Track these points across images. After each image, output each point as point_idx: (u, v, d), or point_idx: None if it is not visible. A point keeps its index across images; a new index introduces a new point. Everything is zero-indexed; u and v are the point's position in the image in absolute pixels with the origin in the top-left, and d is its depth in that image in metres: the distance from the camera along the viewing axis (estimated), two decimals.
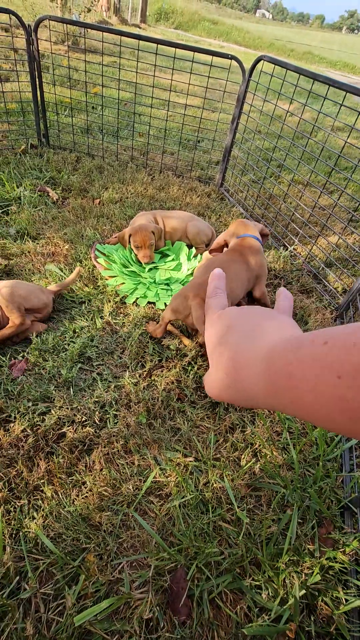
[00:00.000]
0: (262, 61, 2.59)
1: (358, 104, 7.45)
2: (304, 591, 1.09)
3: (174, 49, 2.75)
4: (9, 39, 4.91)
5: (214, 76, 2.89)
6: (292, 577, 1.13)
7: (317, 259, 2.59)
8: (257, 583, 1.12)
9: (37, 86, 3.03)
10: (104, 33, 2.81)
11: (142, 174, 3.23)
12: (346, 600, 1.12)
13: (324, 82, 2.09)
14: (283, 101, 6.15)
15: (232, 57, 2.74)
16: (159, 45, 2.78)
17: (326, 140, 3.24)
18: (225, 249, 2.00)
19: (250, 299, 2.01)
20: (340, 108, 2.11)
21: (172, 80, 2.90)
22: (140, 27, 12.02)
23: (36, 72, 2.96)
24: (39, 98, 3.09)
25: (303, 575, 1.14)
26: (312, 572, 1.14)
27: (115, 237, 2.34)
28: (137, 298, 2.03)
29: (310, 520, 1.27)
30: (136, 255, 2.29)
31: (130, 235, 2.21)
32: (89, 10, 8.30)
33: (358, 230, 3.19)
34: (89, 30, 4.90)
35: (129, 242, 2.23)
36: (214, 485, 1.33)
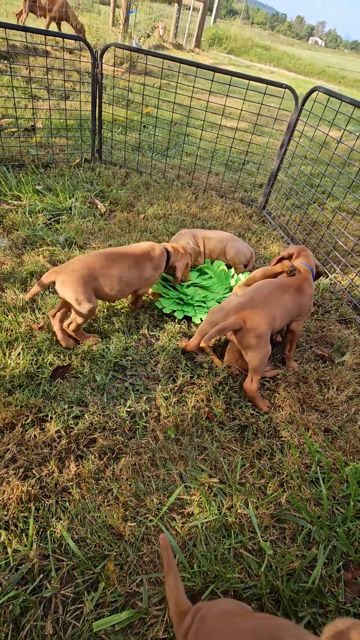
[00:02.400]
0: (317, 92, 2.63)
1: None
2: None
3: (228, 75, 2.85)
4: (73, 59, 5.29)
5: (266, 103, 2.96)
6: (313, 620, 1.09)
7: (359, 289, 2.53)
8: None
9: (97, 105, 3.23)
10: (164, 60, 2.98)
11: (187, 193, 3.33)
12: None
13: None
14: (333, 128, 6.16)
15: (287, 87, 2.80)
16: (215, 72, 2.89)
17: None
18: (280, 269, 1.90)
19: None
20: None
21: (225, 105, 3.00)
22: (194, 52, 12.54)
23: (97, 92, 3.16)
24: (97, 116, 3.29)
25: (323, 619, 1.09)
26: (335, 617, 1.09)
27: None
28: (175, 311, 2.07)
29: (337, 561, 1.22)
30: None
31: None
32: (149, 36, 8.78)
33: None
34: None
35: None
36: (238, 510, 1.31)
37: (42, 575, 1.09)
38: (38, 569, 1.10)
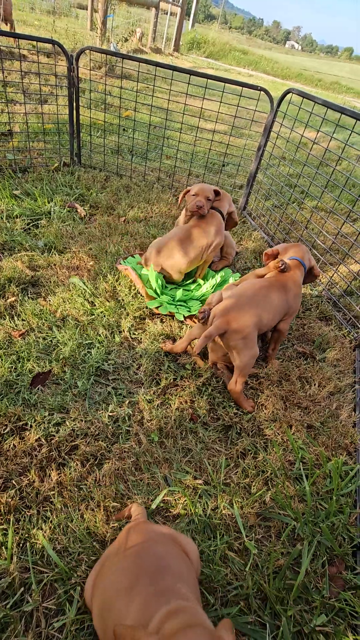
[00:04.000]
0: (291, 94, 2.68)
1: None
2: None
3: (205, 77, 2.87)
4: (50, 63, 5.24)
5: (242, 106, 3.00)
6: (299, 616, 1.09)
7: (338, 286, 2.58)
8: (261, 620, 1.09)
9: (74, 109, 3.21)
10: (139, 63, 2.98)
11: (168, 195, 3.33)
12: None
13: (351, 116, 2.14)
14: (309, 129, 6.27)
15: (262, 89, 2.84)
16: (191, 75, 2.91)
17: (352, 170, 3.27)
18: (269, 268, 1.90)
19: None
20: None
21: (202, 108, 3.02)
22: (173, 56, 12.61)
23: (74, 96, 3.14)
24: (74, 120, 3.27)
25: (309, 615, 1.09)
26: (321, 613, 1.09)
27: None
28: (159, 306, 2.07)
29: (321, 557, 1.23)
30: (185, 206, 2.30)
31: (188, 191, 2.26)
32: (126, 40, 8.79)
33: None
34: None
35: (182, 196, 2.31)
36: (223, 511, 1.31)
37: (22, 589, 1.06)
38: (19, 583, 1.07)
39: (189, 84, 2.98)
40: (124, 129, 4.51)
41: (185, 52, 15.08)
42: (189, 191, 2.26)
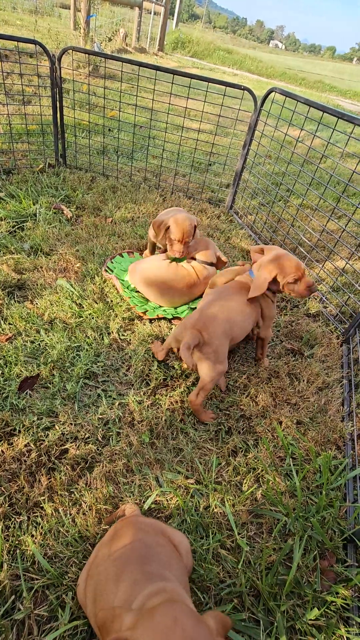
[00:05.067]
0: (274, 93, 2.70)
1: None
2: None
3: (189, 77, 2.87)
4: (33, 64, 5.18)
5: (227, 105, 3.01)
6: (292, 611, 1.10)
7: (324, 283, 2.61)
8: (255, 617, 1.09)
9: (58, 109, 3.18)
10: (122, 63, 2.96)
11: (154, 195, 3.33)
12: (347, 639, 1.08)
13: (333, 115, 2.16)
14: (293, 128, 6.33)
15: (245, 88, 2.85)
16: (175, 75, 2.91)
17: (335, 168, 3.31)
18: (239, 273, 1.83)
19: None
20: (349, 139, 2.18)
21: (186, 107, 3.02)
22: (157, 55, 12.58)
23: (57, 97, 3.11)
24: (58, 120, 3.23)
25: (302, 610, 1.10)
26: (313, 607, 1.11)
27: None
28: (147, 311, 2.06)
29: (312, 551, 1.25)
30: (167, 248, 2.11)
31: (168, 227, 2.03)
32: (110, 40, 8.73)
33: None
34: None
35: (163, 233, 2.05)
36: (215, 509, 1.32)
37: (13, 597, 1.05)
38: (9, 591, 1.06)
39: (172, 83, 2.98)
40: (109, 129, 4.48)
41: (169, 52, 15.06)
42: (168, 228, 2.05)
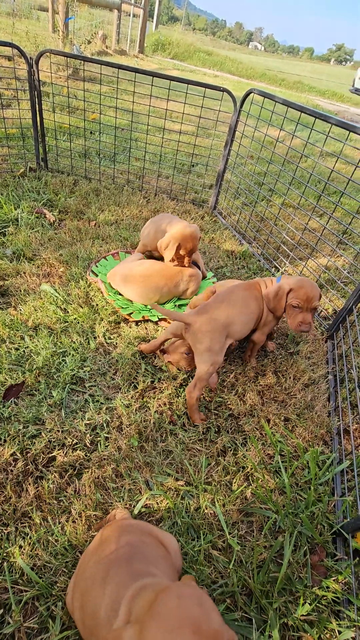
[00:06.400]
0: (253, 94, 2.73)
1: (345, 134, 7.74)
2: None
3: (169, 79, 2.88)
4: (11, 67, 5.11)
5: (207, 106, 3.02)
6: (284, 607, 1.11)
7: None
8: (248, 616, 1.10)
9: (37, 113, 3.14)
10: (101, 66, 2.95)
11: (138, 197, 3.32)
12: (339, 632, 1.09)
13: (310, 115, 2.20)
14: (274, 128, 6.41)
15: (224, 90, 2.87)
16: (155, 77, 2.91)
17: (314, 167, 3.37)
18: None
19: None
20: (326, 139, 2.22)
21: (167, 109, 3.02)
22: (138, 57, 12.57)
23: (36, 100, 3.07)
24: (38, 124, 3.20)
25: (294, 606, 1.11)
26: (304, 603, 1.12)
27: (136, 252, 2.36)
28: (132, 312, 2.05)
29: (302, 546, 1.26)
30: (177, 260, 2.16)
31: (179, 244, 2.08)
32: (89, 42, 8.68)
33: (346, 253, 3.28)
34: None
35: (174, 250, 2.08)
36: (206, 510, 1.32)
37: (2, 610, 1.03)
38: None
39: (152, 85, 2.98)
40: (90, 132, 4.45)
41: (150, 54, 15.07)
42: (179, 247, 2.10)
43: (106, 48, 10.91)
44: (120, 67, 2.91)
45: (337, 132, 6.97)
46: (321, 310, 2.41)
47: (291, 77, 18.61)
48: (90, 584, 0.81)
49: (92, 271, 2.29)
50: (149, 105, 3.04)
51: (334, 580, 1.18)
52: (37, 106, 3.11)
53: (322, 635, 1.08)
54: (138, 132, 4.33)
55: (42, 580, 1.07)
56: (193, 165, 4.31)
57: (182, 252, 2.10)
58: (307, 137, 2.31)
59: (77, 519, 1.22)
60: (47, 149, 3.41)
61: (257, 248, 2.97)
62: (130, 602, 0.67)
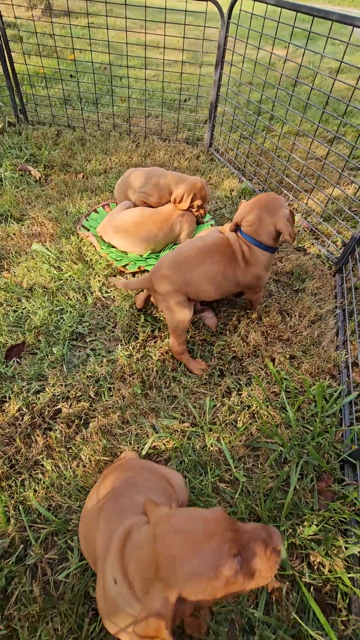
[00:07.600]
0: None
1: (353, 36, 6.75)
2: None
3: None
4: None
5: (192, 24, 2.66)
6: (291, 530, 1.14)
7: (315, 213, 2.46)
8: None
9: (7, 59, 2.86)
10: None
11: (126, 142, 3.09)
12: (346, 547, 1.13)
13: (307, 13, 1.89)
14: (269, 45, 5.70)
15: None
16: (127, 6, 2.55)
17: (315, 78, 2.99)
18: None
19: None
20: (325, 44, 1.92)
21: (145, 33, 2.69)
22: None
23: (2, 42, 2.79)
24: (10, 71, 2.93)
25: (302, 528, 1.15)
26: (311, 524, 1.15)
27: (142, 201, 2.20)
28: (127, 264, 1.99)
29: (309, 474, 1.27)
30: (195, 209, 2.14)
31: (194, 194, 2.06)
32: None
33: (358, 178, 3.00)
34: None
35: (189, 201, 2.05)
36: (211, 448, 1.34)
37: (23, 545, 1.10)
38: (19, 541, 1.11)
39: (126, 5, 2.63)
40: (70, 75, 4.08)
41: None
42: (195, 197, 2.08)
43: None
44: None
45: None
46: (328, 244, 2.26)
47: None
48: (88, 520, 0.85)
49: (83, 225, 2.20)
50: (125, 31, 2.71)
51: (341, 502, 1.20)
52: (4, 51, 2.82)
53: (329, 552, 1.12)
54: (121, 68, 3.94)
55: (58, 519, 1.14)
56: (185, 100, 3.94)
57: (197, 202, 2.11)
58: (305, 43, 2.01)
59: (87, 463, 1.27)
60: (24, 100, 3.16)
61: (258, 184, 2.76)
62: (121, 540, 0.69)
